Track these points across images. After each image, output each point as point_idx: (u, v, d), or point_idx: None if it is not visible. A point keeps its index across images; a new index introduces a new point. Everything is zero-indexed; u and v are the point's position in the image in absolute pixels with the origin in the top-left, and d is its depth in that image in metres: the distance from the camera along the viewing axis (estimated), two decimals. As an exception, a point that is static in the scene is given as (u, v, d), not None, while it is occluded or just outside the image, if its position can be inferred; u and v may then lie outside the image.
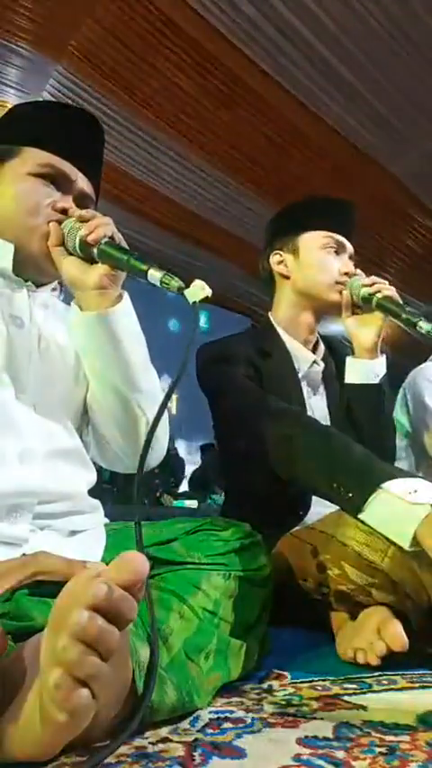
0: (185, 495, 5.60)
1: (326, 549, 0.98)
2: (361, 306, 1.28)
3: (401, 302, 1.22)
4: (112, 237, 0.83)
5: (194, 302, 0.73)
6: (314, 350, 1.40)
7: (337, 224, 1.36)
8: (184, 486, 6.15)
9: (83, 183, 0.92)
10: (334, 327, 1.44)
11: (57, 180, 0.90)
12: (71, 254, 0.85)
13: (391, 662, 0.85)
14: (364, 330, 1.28)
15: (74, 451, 0.86)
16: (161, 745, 0.56)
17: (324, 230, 1.34)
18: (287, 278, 1.38)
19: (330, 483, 0.93)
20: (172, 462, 5.87)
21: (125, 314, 0.85)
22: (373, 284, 1.24)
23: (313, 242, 1.35)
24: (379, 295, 1.22)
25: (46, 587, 0.70)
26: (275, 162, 5.05)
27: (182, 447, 6.96)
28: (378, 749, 0.55)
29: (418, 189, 5.20)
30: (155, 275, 0.76)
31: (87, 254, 0.84)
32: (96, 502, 0.90)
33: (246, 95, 4.41)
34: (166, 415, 0.92)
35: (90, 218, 0.85)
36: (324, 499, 1.05)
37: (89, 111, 0.98)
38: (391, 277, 6.41)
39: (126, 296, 0.87)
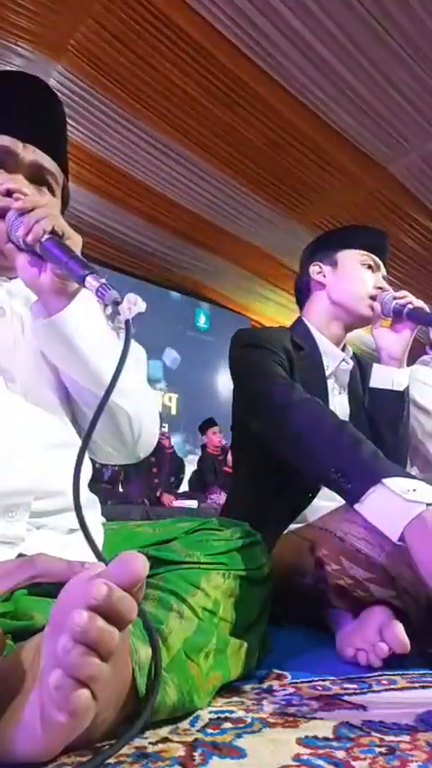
0: (185, 495, 5.60)
1: (324, 544, 0.99)
2: (391, 318, 1.35)
3: (430, 312, 1.30)
4: (54, 231, 0.74)
5: (127, 320, 0.68)
6: (344, 352, 1.46)
7: (373, 245, 1.45)
8: (184, 486, 6.15)
9: (35, 155, 0.83)
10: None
11: (1, 160, 0.81)
12: (21, 249, 0.77)
13: (392, 662, 0.86)
14: (394, 338, 1.34)
15: (69, 443, 0.83)
16: (161, 745, 0.56)
17: (362, 249, 1.43)
18: (323, 287, 1.44)
19: (333, 470, 0.97)
20: (172, 462, 5.88)
21: (76, 313, 0.77)
22: (404, 297, 1.32)
23: (351, 257, 1.43)
24: (410, 306, 1.30)
25: (46, 587, 0.70)
26: (275, 162, 5.05)
27: (181, 447, 6.97)
28: (378, 749, 0.55)
29: (418, 189, 5.20)
30: (92, 283, 0.69)
31: (33, 250, 0.76)
32: (93, 496, 0.88)
33: (246, 95, 4.41)
34: (157, 402, 0.90)
35: (30, 209, 0.75)
36: (324, 486, 1.08)
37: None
38: (392, 277, 6.43)
39: (81, 293, 0.78)
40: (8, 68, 4.39)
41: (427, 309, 1.31)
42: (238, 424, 1.45)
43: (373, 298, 1.37)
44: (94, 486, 0.90)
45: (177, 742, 0.57)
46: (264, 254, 6.46)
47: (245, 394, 1.33)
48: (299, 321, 1.47)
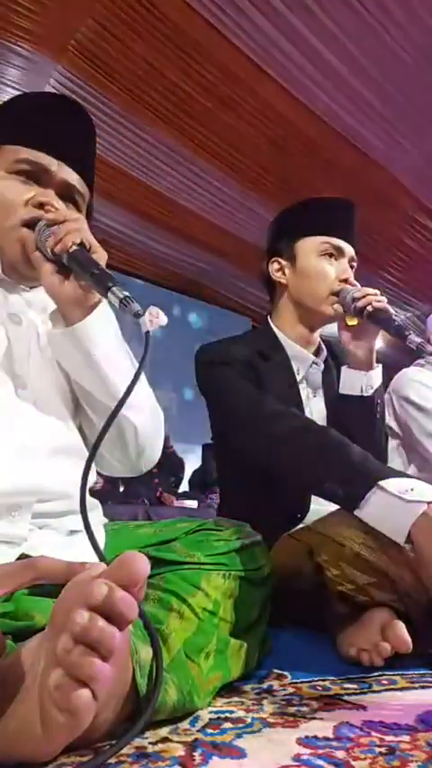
0: (185, 495, 5.59)
1: (323, 550, 0.98)
2: (354, 318, 1.27)
3: (393, 314, 1.21)
4: (81, 244, 0.77)
5: (147, 332, 0.71)
6: (316, 353, 1.40)
7: (335, 227, 1.34)
8: (184, 486, 6.15)
9: (64, 172, 0.87)
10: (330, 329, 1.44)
11: (35, 174, 0.85)
12: (47, 259, 0.80)
13: (392, 662, 0.86)
14: (359, 342, 1.27)
15: (74, 448, 0.85)
16: (161, 745, 0.56)
17: (322, 235, 1.33)
18: (285, 286, 1.38)
19: (327, 481, 0.95)
20: (172, 462, 5.87)
21: (95, 325, 0.80)
22: (365, 296, 1.23)
23: (310, 249, 1.33)
24: (369, 308, 1.21)
25: (46, 587, 0.70)
26: (275, 162, 5.05)
27: (181, 447, 6.96)
28: (378, 749, 0.55)
29: (418, 189, 5.19)
30: (115, 296, 0.72)
31: (60, 261, 0.79)
32: (95, 501, 0.89)
33: (246, 95, 4.40)
34: (161, 418, 0.92)
35: (61, 221, 0.79)
36: (320, 497, 1.07)
37: (69, 97, 0.92)
38: (392, 277, 6.42)
39: (101, 306, 0.81)
40: (8, 68, 4.40)
41: (390, 311, 1.22)
42: (218, 440, 1.41)
43: (336, 293, 1.30)
44: (93, 485, 0.90)
45: (177, 742, 0.57)
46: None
47: (216, 413, 1.30)
48: (266, 325, 1.41)
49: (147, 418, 0.88)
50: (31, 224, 0.81)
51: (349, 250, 1.34)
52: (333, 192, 5.00)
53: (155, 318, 0.72)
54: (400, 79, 4.07)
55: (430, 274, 6.19)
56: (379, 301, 1.22)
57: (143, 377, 0.86)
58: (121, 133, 4.87)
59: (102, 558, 0.63)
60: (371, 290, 1.24)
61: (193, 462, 6.38)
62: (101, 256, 0.79)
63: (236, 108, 4.53)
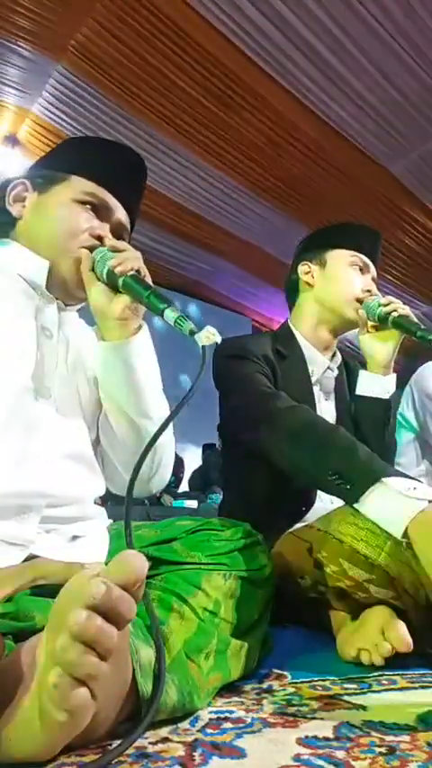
0: (185, 495, 5.60)
1: (322, 546, 0.98)
2: (377, 325, 1.34)
3: (416, 321, 1.28)
4: (138, 271, 0.87)
5: (203, 346, 0.76)
6: (332, 360, 1.44)
7: (364, 246, 1.43)
8: (184, 486, 6.15)
9: (121, 214, 0.98)
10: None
11: (97, 208, 0.95)
12: (98, 280, 0.88)
13: (392, 662, 0.86)
14: (380, 346, 1.33)
15: (87, 458, 0.88)
16: (161, 745, 0.56)
17: (352, 250, 1.41)
18: (311, 287, 1.43)
19: (331, 474, 0.97)
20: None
21: (142, 345, 0.89)
22: (389, 303, 1.30)
23: (341, 257, 1.41)
24: (395, 314, 1.28)
25: (46, 587, 0.70)
26: (275, 162, 5.05)
27: (181, 447, 6.96)
28: (378, 749, 0.55)
29: (418, 189, 5.20)
30: (170, 315, 0.79)
31: (113, 282, 0.87)
32: (101, 509, 0.91)
33: (246, 95, 4.41)
34: (172, 442, 0.96)
35: (122, 250, 0.89)
36: (321, 490, 1.08)
37: (134, 149, 1.04)
38: (392, 277, 6.42)
39: (145, 327, 0.91)
40: (8, 68, 4.40)
41: (414, 318, 1.29)
42: (226, 436, 1.44)
43: (360, 301, 1.36)
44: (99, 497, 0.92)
45: (177, 742, 0.57)
46: (264, 254, 6.47)
47: (231, 405, 1.32)
48: (285, 326, 1.46)
49: (168, 436, 0.94)
50: (90, 249, 0.90)
51: (373, 270, 1.43)
52: (332, 191, 5.00)
53: (211, 336, 0.76)
54: (401, 79, 4.08)
55: (430, 274, 6.19)
56: (403, 309, 1.29)
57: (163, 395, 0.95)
58: (121, 133, 4.87)
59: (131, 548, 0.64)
60: (395, 299, 1.31)
61: (193, 462, 6.38)
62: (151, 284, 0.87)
63: (236, 108, 4.53)
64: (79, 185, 0.95)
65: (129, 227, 1.02)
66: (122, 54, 4.19)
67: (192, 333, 0.77)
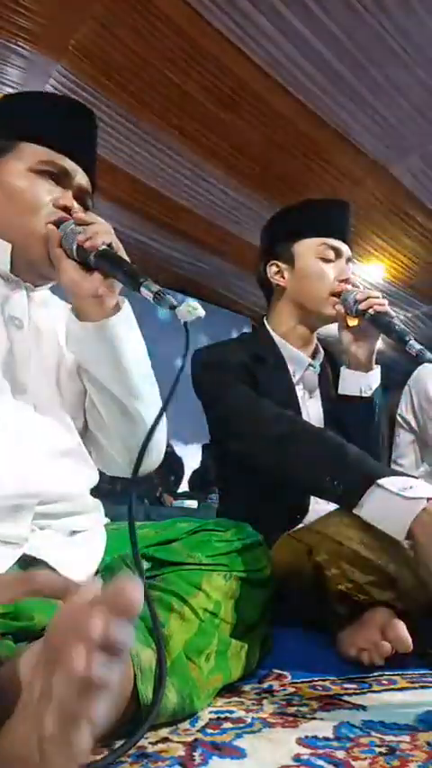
0: (185, 495, 5.59)
1: (322, 549, 0.98)
2: (355, 318, 1.26)
3: (394, 318, 1.21)
4: (110, 245, 0.80)
5: (185, 323, 0.72)
6: (313, 355, 1.40)
7: (332, 228, 1.34)
8: (184, 486, 6.15)
9: (81, 178, 0.90)
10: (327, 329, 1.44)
11: (57, 176, 0.87)
12: (69, 257, 0.82)
13: (392, 662, 0.86)
14: (360, 343, 1.27)
15: (75, 451, 0.85)
16: (161, 745, 0.56)
17: (319, 237, 1.33)
18: (284, 288, 1.38)
19: (325, 480, 0.96)
20: (171, 461, 5.87)
21: (123, 323, 0.83)
22: (367, 299, 1.22)
23: (308, 251, 1.34)
24: (371, 311, 1.21)
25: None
26: (276, 162, 5.05)
27: (181, 447, 6.96)
28: (378, 749, 0.55)
29: (418, 189, 5.20)
30: (148, 290, 0.74)
31: (84, 258, 0.81)
32: (97, 501, 0.89)
33: (246, 95, 4.40)
34: (164, 420, 0.93)
35: (90, 223, 0.82)
36: (318, 497, 1.07)
37: (81, 102, 0.96)
38: (392, 277, 6.42)
39: (126, 304, 0.84)
40: (8, 68, 4.40)
41: (392, 314, 1.21)
42: (214, 442, 1.41)
43: (336, 294, 1.30)
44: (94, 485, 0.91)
45: (177, 742, 0.57)
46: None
47: (214, 416, 1.30)
48: (261, 327, 1.41)
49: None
50: (56, 224, 0.83)
51: (346, 250, 1.35)
52: (332, 191, 5.00)
53: (192, 310, 0.71)
54: (401, 80, 4.08)
55: (430, 274, 6.19)
56: (380, 304, 1.21)
57: (152, 372, 0.89)
58: (121, 133, 4.87)
59: (137, 559, 0.63)
60: (373, 293, 1.24)
61: (193, 462, 6.38)
62: (125, 258, 0.81)
63: (236, 108, 4.53)
64: (32, 153, 0.85)
65: (90, 189, 0.93)
66: (122, 54, 4.19)
67: (173, 308, 0.72)
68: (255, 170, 5.18)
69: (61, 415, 0.85)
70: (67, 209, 0.85)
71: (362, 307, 1.22)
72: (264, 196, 5.48)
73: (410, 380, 1.89)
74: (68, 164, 0.88)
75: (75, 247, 0.80)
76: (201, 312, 0.72)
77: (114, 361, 0.83)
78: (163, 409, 0.72)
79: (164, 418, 0.91)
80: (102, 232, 0.80)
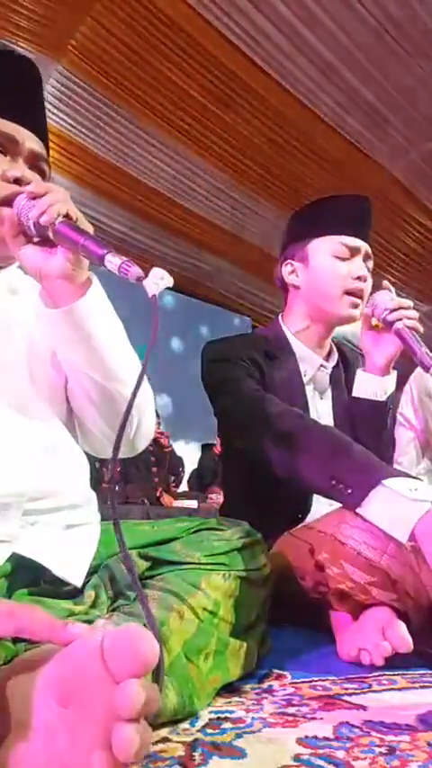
0: (185, 495, 5.59)
1: (324, 548, 0.98)
2: (379, 324, 1.22)
3: (420, 334, 1.14)
4: (67, 215, 0.72)
5: (153, 295, 0.67)
6: (327, 357, 1.39)
7: (347, 225, 1.32)
8: (183, 486, 6.15)
9: (32, 142, 0.81)
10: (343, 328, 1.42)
11: (2, 146, 0.79)
12: (27, 235, 0.75)
13: (392, 662, 0.85)
14: (380, 348, 1.24)
15: (60, 445, 0.82)
16: (161, 745, 0.56)
17: (334, 235, 1.31)
18: (298, 288, 1.37)
19: (330, 479, 0.95)
20: (171, 461, 5.87)
21: (93, 303, 0.76)
22: (398, 309, 1.16)
23: (322, 249, 1.31)
24: (400, 324, 1.15)
25: (46, 588, 0.70)
26: (276, 162, 5.05)
27: (181, 447, 6.95)
28: (378, 749, 0.55)
29: (418, 189, 5.20)
30: (112, 261, 0.68)
31: (43, 235, 0.73)
32: (90, 493, 0.86)
33: (246, 95, 4.41)
34: (151, 396, 0.89)
35: (43, 194, 0.73)
36: (322, 496, 1.07)
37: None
38: (392, 277, 6.43)
39: (94, 280, 0.77)
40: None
41: (420, 330, 1.14)
42: (221, 436, 1.41)
43: (350, 293, 1.27)
44: (93, 486, 0.90)
45: (177, 742, 0.57)
46: (264, 254, 6.46)
47: (220, 409, 1.29)
48: (275, 323, 1.40)
49: (140, 395, 0.81)
50: (8, 201, 0.75)
51: (364, 247, 1.32)
52: (332, 191, 4.96)
53: (159, 281, 0.67)
54: (401, 80, 4.08)
55: (430, 274, 6.20)
56: (411, 318, 1.16)
57: (130, 348, 0.84)
58: (121, 133, 4.88)
59: (127, 559, 0.61)
60: (405, 303, 1.18)
61: (192, 462, 6.38)
62: (87, 228, 0.73)
63: (236, 108, 4.53)
64: None
65: (45, 151, 0.83)
66: (122, 54, 4.20)
67: (139, 279, 0.67)
68: (255, 170, 5.18)
69: (39, 409, 0.81)
70: (18, 181, 0.77)
71: (391, 317, 1.17)
72: (264, 196, 5.49)
73: (412, 377, 1.89)
74: (13, 128, 0.79)
75: (32, 224, 0.73)
76: (168, 282, 0.67)
77: (85, 345, 0.77)
78: (137, 387, 0.65)
79: (150, 394, 0.88)
80: (56, 203, 0.72)
